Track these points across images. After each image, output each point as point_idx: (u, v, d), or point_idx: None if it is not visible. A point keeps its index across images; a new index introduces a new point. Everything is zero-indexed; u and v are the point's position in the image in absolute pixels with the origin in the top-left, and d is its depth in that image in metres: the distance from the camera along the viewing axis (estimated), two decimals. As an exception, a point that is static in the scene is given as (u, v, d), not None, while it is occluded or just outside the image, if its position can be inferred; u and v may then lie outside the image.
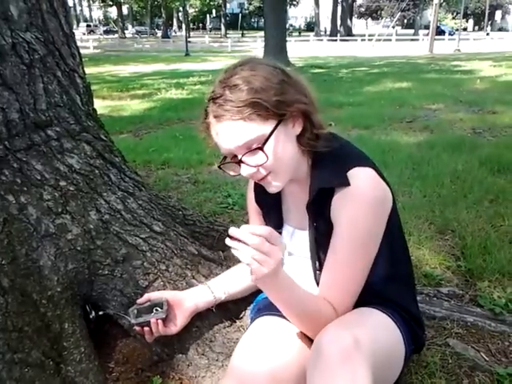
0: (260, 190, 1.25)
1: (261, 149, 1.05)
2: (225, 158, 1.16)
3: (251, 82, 1.03)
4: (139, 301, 1.39)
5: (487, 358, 1.58)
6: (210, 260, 1.72)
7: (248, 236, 0.90)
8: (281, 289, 1.03)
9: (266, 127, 1.05)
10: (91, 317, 1.45)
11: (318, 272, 1.19)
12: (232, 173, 1.16)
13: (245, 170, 1.10)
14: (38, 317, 1.34)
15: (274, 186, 1.14)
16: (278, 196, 1.27)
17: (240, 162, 1.09)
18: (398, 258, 1.23)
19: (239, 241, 0.91)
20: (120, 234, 1.53)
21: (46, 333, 1.34)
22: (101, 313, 1.46)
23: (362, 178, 1.09)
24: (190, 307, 1.40)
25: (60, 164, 1.49)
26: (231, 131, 1.05)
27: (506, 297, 1.89)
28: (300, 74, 1.16)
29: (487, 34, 38.10)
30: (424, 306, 1.81)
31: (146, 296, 1.40)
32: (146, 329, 1.34)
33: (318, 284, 1.18)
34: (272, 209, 1.31)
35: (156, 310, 1.35)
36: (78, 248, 1.45)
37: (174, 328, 1.37)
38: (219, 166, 1.18)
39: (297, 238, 1.26)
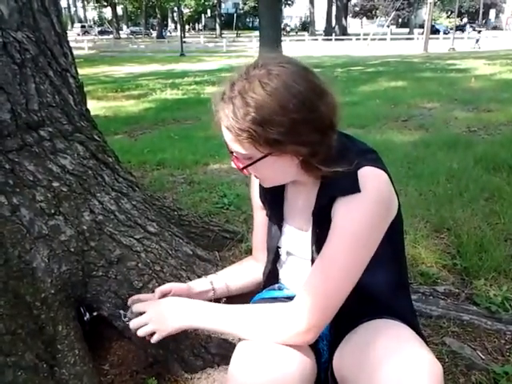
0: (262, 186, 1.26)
1: (241, 170, 1.09)
2: None
3: (259, 109, 0.96)
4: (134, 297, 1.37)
5: (483, 357, 1.58)
6: (205, 260, 1.71)
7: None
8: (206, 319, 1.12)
9: (256, 153, 1.02)
10: (85, 319, 1.44)
11: None
12: None
13: (233, 163, 1.12)
14: (31, 319, 1.33)
15: (261, 183, 1.18)
16: (280, 194, 1.26)
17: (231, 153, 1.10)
18: (399, 265, 1.20)
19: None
20: (114, 234, 1.52)
21: (39, 335, 1.33)
22: (95, 313, 1.45)
23: (371, 181, 1.02)
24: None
25: (53, 165, 1.48)
26: (226, 134, 1.05)
27: (501, 295, 1.89)
28: (335, 97, 1.08)
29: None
30: (420, 304, 1.81)
31: (138, 296, 1.38)
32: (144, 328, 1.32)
33: None
34: (274, 206, 1.29)
35: None
36: (72, 249, 1.43)
37: None
38: None
39: (298, 239, 1.23)
